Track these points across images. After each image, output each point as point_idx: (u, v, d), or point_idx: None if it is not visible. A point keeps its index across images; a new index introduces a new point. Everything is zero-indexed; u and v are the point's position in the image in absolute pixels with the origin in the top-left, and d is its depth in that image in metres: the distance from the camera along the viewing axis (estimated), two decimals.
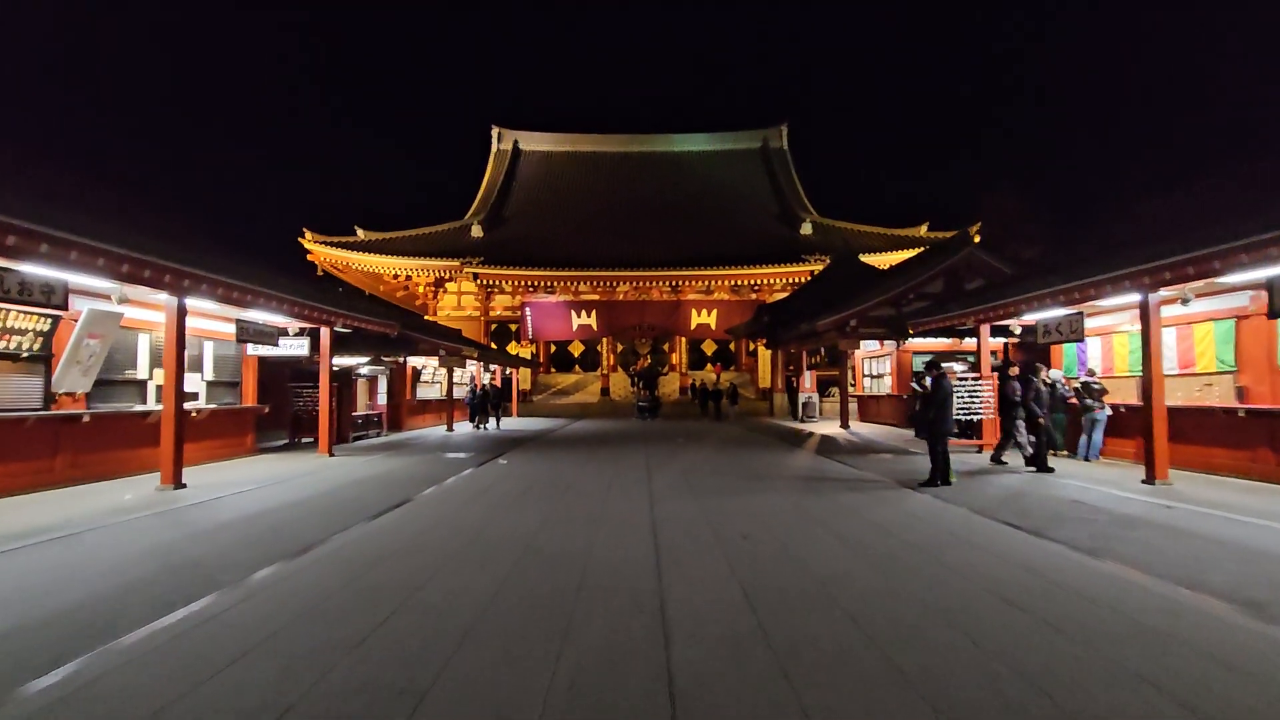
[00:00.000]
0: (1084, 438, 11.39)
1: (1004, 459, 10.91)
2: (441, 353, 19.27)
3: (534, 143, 49.57)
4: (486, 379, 26.70)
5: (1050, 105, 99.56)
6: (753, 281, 36.40)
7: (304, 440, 16.46)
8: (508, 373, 30.74)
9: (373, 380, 18.36)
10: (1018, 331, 12.41)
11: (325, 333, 12.90)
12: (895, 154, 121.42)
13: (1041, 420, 10.19)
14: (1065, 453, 12.14)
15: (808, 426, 21.67)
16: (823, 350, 22.53)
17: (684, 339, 38.77)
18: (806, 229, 39.33)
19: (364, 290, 39.70)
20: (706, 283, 36.70)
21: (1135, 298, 8.81)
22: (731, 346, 40.46)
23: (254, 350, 12.68)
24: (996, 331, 13.05)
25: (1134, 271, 8.24)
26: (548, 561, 5.12)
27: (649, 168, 47.90)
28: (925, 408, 9.03)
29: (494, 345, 39.18)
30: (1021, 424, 10.44)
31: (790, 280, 35.47)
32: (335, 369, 16.97)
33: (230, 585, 4.51)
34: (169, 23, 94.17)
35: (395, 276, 38.85)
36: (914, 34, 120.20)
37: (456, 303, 40.60)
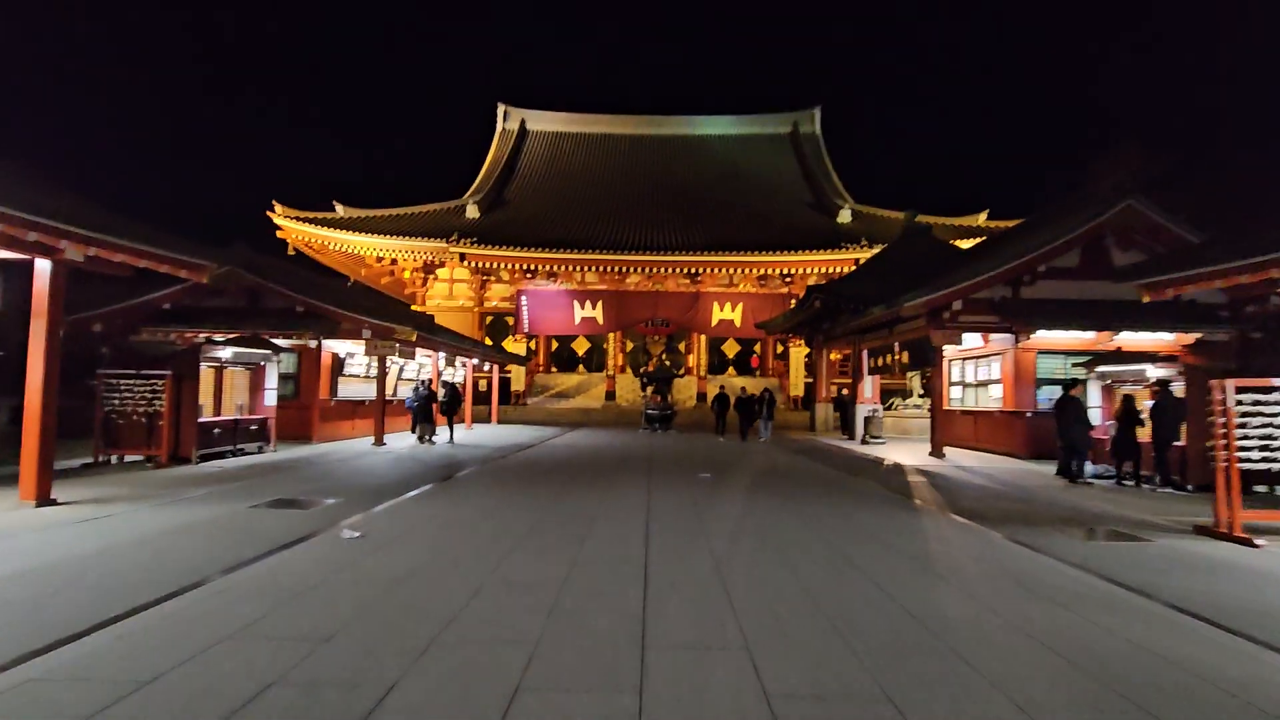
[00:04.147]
0: None
1: None
2: (367, 333, 12.90)
3: (543, 123, 43.33)
4: (458, 377, 20.34)
5: (1114, 77, 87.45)
6: (784, 270, 29.76)
7: (126, 459, 10.20)
8: (487, 369, 24.31)
9: (257, 371, 11.98)
10: None
11: (43, 269, 6.51)
12: (937, 141, 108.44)
13: None
14: None
15: (878, 452, 14.97)
16: (896, 348, 15.88)
17: (703, 338, 32.18)
18: (845, 217, 32.78)
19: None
20: (730, 272, 30.11)
21: None
22: (757, 348, 33.88)
23: None
24: None
25: None
26: None
27: (667, 151, 41.48)
28: None
29: (489, 340, 32.96)
30: None
31: (828, 270, 28.80)
32: (180, 350, 10.68)
33: None
34: None
35: (379, 260, 32.70)
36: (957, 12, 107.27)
37: (448, 291, 34.37)
